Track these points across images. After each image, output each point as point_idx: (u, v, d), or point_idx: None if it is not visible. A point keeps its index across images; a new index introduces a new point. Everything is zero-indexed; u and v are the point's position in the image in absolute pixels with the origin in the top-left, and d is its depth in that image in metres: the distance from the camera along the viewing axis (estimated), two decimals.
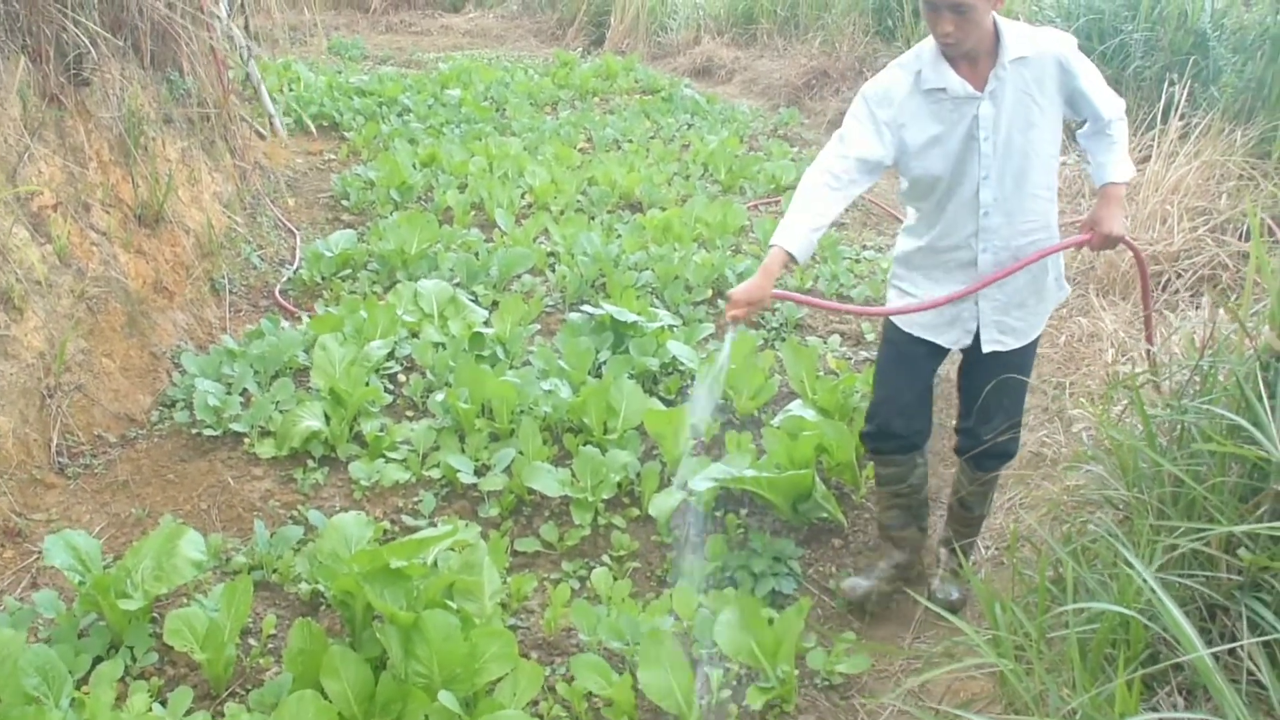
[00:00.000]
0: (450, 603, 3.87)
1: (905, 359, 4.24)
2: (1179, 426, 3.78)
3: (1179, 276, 6.53)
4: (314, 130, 11.27)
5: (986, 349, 4.09)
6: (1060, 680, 3.30)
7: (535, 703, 3.78)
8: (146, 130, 6.92)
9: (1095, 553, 3.80)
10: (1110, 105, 3.88)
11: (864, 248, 8.53)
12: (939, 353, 4.24)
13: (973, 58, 3.76)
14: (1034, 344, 4.20)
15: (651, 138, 11.66)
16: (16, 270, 5.29)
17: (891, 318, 4.24)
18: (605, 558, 4.77)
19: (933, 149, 3.86)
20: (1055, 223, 4.03)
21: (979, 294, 4.00)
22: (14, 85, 5.76)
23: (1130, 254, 5.92)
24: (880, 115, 3.87)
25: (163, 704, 3.67)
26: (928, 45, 3.83)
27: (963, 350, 4.23)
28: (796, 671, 3.96)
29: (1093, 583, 3.48)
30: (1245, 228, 6.64)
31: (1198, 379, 3.82)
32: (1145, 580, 2.94)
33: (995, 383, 4.08)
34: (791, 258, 3.80)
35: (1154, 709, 3.10)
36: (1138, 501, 3.73)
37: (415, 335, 6.51)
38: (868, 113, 3.89)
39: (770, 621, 3.99)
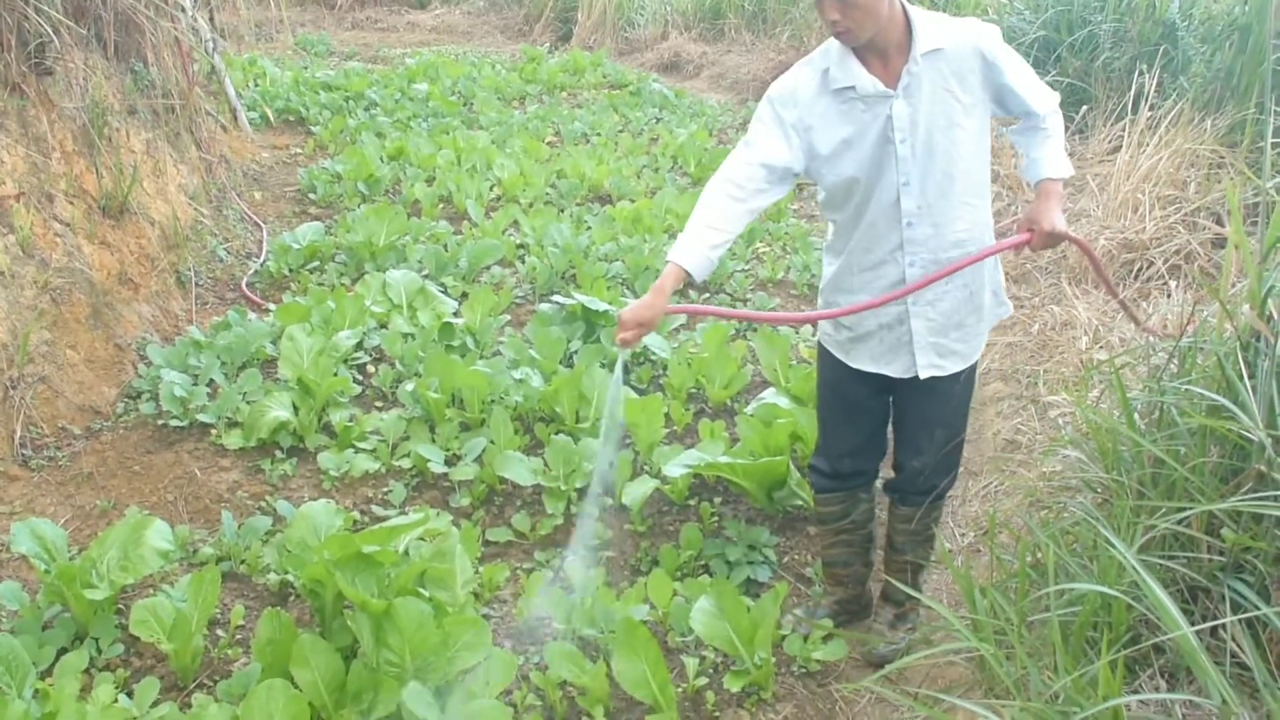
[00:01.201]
0: (422, 591, 3.80)
1: (847, 403, 3.93)
2: (1158, 408, 3.75)
3: (1150, 264, 6.52)
4: (280, 125, 11.20)
5: (924, 375, 3.70)
6: (1041, 664, 3.27)
7: (508, 692, 3.72)
8: (110, 121, 6.84)
9: (1075, 536, 3.77)
10: (1042, 100, 3.56)
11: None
12: (884, 389, 3.87)
13: (880, 51, 3.40)
14: (973, 369, 3.83)
15: (620, 131, 11.62)
16: None
17: (835, 355, 3.86)
18: None
19: (845, 153, 3.49)
20: (990, 234, 3.67)
21: (911, 314, 3.64)
22: None
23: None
24: (786, 117, 3.51)
25: (129, 695, 3.59)
26: (836, 41, 3.45)
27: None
28: (773, 659, 3.91)
29: (1074, 566, 3.45)
30: (1216, 215, 6.64)
31: (1175, 362, 3.80)
32: (1127, 560, 2.91)
33: (928, 412, 3.83)
34: (689, 275, 3.49)
35: (1136, 692, 3.07)
36: (1117, 484, 3.70)
37: (384, 326, 6.44)
38: (773, 115, 3.53)
39: (747, 608, 3.92)
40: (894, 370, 3.73)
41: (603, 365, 5.68)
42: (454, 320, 6.33)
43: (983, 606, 3.60)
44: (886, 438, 4.09)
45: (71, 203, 6.26)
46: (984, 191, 3.61)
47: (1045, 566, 3.57)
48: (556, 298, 6.72)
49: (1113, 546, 3.06)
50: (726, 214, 3.52)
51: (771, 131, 3.54)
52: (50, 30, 6.08)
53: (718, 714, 3.77)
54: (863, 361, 3.78)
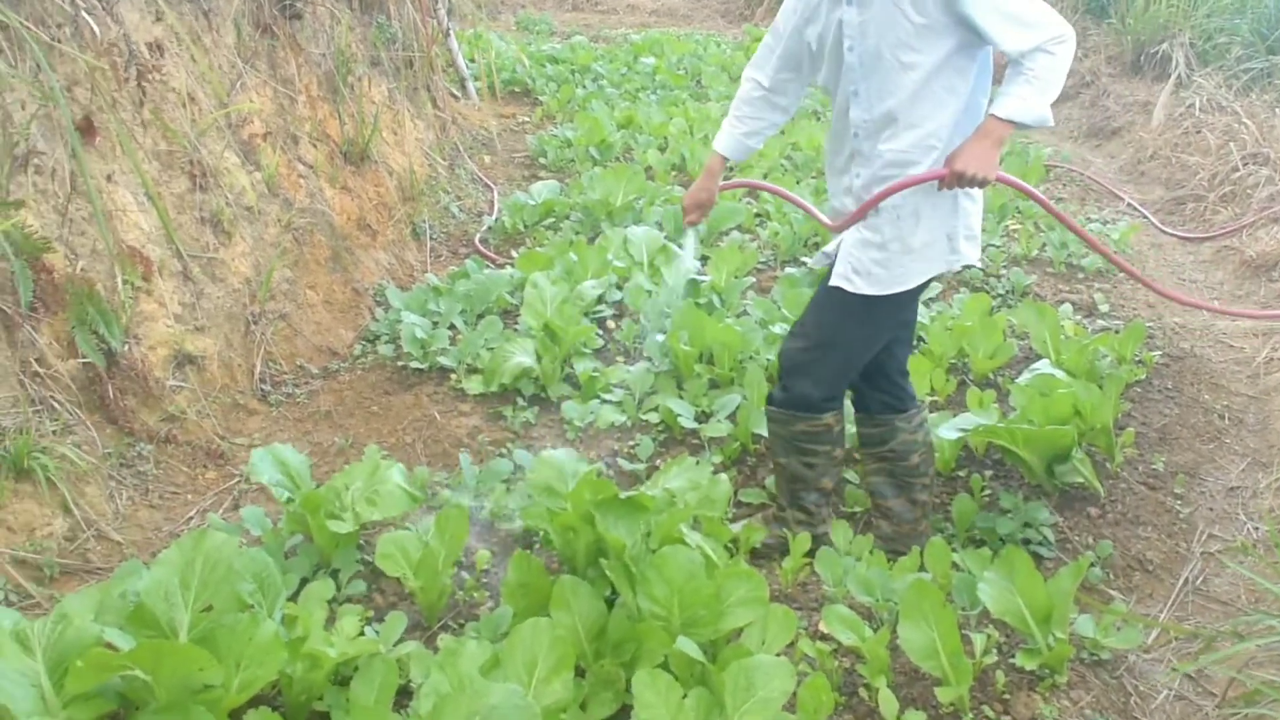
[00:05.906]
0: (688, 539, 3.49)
1: None
2: None
3: None
4: (505, 96, 11.14)
5: (832, 281, 3.59)
6: None
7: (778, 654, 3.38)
8: (354, 69, 6.77)
9: None
10: (1016, 38, 3.17)
11: (1088, 219, 8.02)
12: None
13: None
14: (883, 308, 3.60)
15: None
16: (227, 194, 5.14)
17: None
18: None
19: (820, 52, 3.59)
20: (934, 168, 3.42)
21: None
22: (230, 12, 5.63)
23: None
24: (798, 8, 3.62)
25: (374, 630, 3.39)
26: None
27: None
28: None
29: None
30: None
31: None
32: None
33: (816, 299, 3.79)
34: (727, 159, 3.86)
35: None
36: None
37: (622, 284, 6.19)
38: (790, 4, 3.66)
39: (1043, 583, 3.49)
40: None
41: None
42: (699, 278, 6.05)
43: None
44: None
45: (315, 146, 6.19)
46: (941, 119, 3.40)
47: None
48: (805, 260, 6.41)
49: None
50: (753, 104, 3.80)
51: (786, 21, 3.67)
52: None
53: (1007, 695, 3.37)
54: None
